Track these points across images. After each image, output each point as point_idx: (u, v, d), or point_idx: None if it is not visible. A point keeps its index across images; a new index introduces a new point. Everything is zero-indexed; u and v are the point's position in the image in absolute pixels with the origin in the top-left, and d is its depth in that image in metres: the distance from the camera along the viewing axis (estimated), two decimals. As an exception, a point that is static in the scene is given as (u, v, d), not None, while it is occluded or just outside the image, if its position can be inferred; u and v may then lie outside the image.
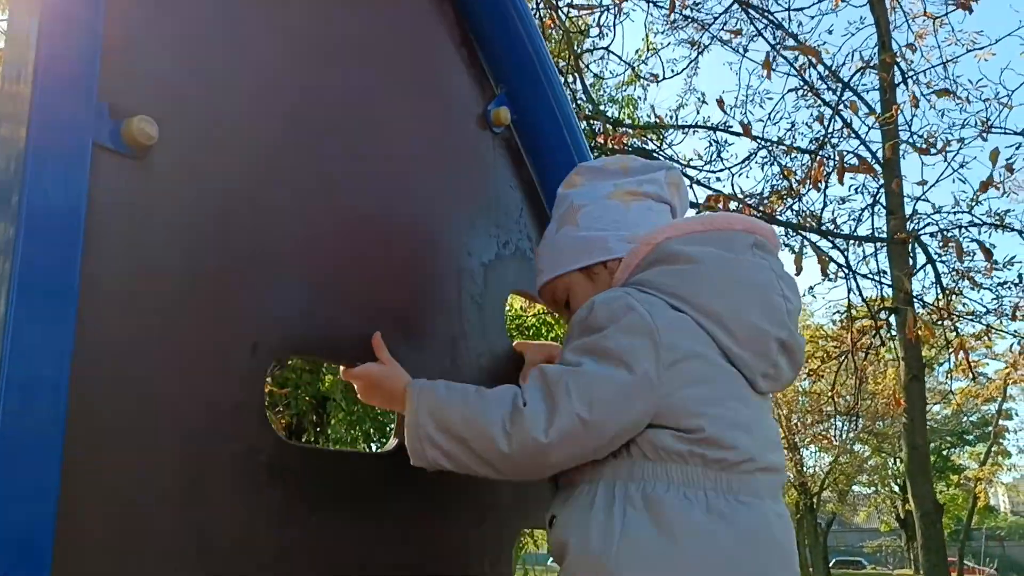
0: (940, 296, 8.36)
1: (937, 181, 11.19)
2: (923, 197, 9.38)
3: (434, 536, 1.50)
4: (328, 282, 1.42)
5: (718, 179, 8.89)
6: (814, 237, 7.52)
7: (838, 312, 10.15)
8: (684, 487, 1.18)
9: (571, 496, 1.27)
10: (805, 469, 30.97)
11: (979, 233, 8.01)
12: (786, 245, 7.54)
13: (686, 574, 1.15)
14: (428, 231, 1.62)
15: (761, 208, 7.50)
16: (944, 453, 33.09)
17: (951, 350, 8.63)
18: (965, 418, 31.08)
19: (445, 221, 1.66)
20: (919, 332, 6.93)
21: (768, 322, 1.28)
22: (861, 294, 7.76)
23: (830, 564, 38.03)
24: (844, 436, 29.37)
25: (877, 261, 10.79)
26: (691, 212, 1.77)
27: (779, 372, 1.31)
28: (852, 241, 8.06)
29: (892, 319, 8.49)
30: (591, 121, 6.73)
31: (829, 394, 9.32)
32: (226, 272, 1.27)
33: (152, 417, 1.13)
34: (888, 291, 8.22)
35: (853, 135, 8.30)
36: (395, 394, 1.31)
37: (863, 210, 8.96)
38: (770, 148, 8.14)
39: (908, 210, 8.18)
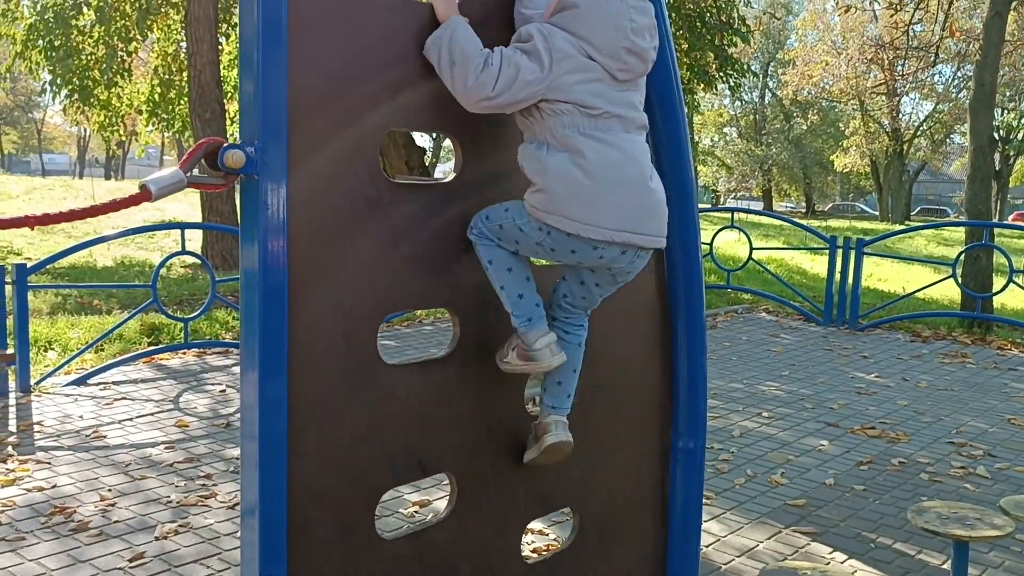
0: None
1: None
2: None
3: None
4: None
5: None
6: None
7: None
8: (571, 127, 2.04)
9: (521, 144, 2.14)
10: (900, 115, 30.32)
11: None
12: None
13: (574, 175, 2.01)
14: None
15: None
16: (1058, 105, 31.70)
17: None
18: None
19: None
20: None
21: (618, 37, 2.04)
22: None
23: (913, 211, 38.74)
24: (948, 83, 28.21)
25: None
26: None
27: (630, 66, 2.08)
28: None
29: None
30: None
31: (904, 28, 9.27)
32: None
33: None
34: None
35: None
36: (442, 14, 2.06)
37: None
38: None
39: None
